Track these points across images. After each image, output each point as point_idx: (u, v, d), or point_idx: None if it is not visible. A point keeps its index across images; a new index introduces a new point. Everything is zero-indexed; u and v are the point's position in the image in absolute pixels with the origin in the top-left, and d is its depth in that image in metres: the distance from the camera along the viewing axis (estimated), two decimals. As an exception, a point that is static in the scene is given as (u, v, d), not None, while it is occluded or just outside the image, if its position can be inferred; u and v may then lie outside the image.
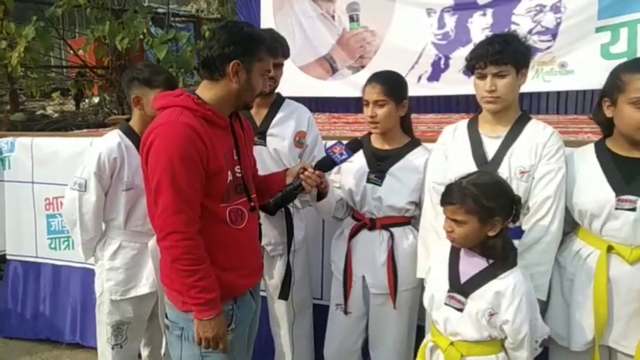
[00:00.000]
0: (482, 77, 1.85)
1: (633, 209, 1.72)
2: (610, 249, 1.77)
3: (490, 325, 1.65)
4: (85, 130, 4.68)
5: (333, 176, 2.24)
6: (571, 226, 1.92)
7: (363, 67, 4.89)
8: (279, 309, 2.37)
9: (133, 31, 5.27)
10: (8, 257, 3.28)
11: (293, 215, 2.28)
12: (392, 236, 2.10)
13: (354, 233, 2.16)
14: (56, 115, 7.98)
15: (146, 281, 2.25)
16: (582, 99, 4.49)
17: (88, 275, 3.03)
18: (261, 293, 2.03)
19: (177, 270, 1.62)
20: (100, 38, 5.63)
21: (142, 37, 5.47)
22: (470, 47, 1.95)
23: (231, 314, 1.73)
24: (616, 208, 1.74)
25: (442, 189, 1.84)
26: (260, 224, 1.93)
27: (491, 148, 1.91)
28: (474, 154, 1.92)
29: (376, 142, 2.19)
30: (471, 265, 1.70)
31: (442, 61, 4.54)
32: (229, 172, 1.70)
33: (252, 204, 1.79)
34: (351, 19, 4.96)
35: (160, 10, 8.05)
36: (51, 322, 3.22)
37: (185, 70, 5.93)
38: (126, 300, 2.26)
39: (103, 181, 2.15)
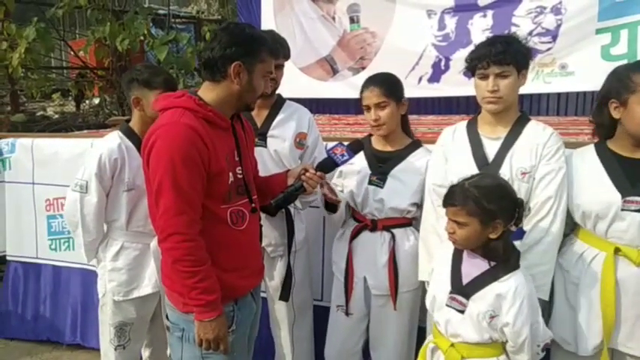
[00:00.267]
0: (484, 77, 1.85)
1: (639, 210, 1.72)
2: (617, 251, 1.77)
3: (491, 327, 1.65)
4: (85, 131, 4.67)
5: (335, 180, 2.25)
6: (570, 227, 1.92)
7: (363, 68, 4.90)
8: (280, 310, 2.37)
9: (133, 33, 5.28)
10: (8, 258, 3.28)
11: (294, 216, 2.28)
12: (393, 237, 2.10)
13: (355, 234, 2.16)
14: (56, 116, 7.98)
15: (148, 282, 2.25)
16: (583, 100, 4.50)
17: (88, 276, 3.03)
18: (262, 294, 2.03)
19: (178, 271, 1.62)
20: (100, 39, 5.63)
21: (142, 38, 5.47)
22: (470, 49, 1.95)
23: (231, 315, 1.73)
24: (622, 210, 1.74)
25: (442, 191, 1.84)
26: (261, 225, 1.93)
27: (491, 149, 1.91)
28: (475, 155, 1.92)
29: (377, 144, 2.19)
30: (473, 266, 1.70)
31: (442, 63, 4.54)
32: (230, 174, 1.70)
33: (253, 205, 1.79)
34: (352, 20, 4.97)
35: (160, 12, 8.06)
36: (51, 323, 3.22)
37: (185, 72, 5.93)
38: (128, 301, 2.26)
39: (104, 182, 2.16)
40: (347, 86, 4.88)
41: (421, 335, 2.18)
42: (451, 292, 1.71)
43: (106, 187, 2.17)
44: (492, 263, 1.67)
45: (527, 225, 1.85)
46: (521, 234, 1.84)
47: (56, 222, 3.10)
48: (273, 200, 1.92)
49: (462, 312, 1.67)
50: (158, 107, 1.70)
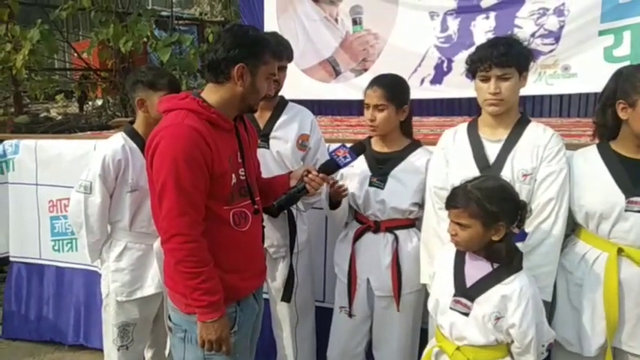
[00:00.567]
0: (486, 80, 1.85)
1: None
2: (619, 251, 1.77)
3: (496, 329, 1.64)
4: (88, 133, 4.69)
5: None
6: (570, 227, 1.92)
7: (366, 70, 4.90)
8: (282, 311, 2.37)
9: (136, 34, 5.30)
10: (12, 259, 3.29)
11: (296, 218, 2.28)
12: (396, 239, 2.11)
13: (358, 236, 2.16)
14: (60, 117, 8.01)
15: (152, 282, 2.26)
16: (585, 102, 4.49)
17: (91, 277, 3.04)
18: (264, 295, 2.03)
19: (180, 272, 1.63)
20: (104, 41, 5.65)
21: (145, 40, 5.49)
22: (473, 50, 1.95)
23: (234, 317, 1.74)
24: (626, 210, 1.74)
25: (443, 193, 1.84)
26: (263, 227, 1.93)
27: (492, 151, 1.91)
28: (476, 157, 1.92)
29: (376, 146, 2.19)
30: (477, 269, 1.70)
31: (445, 64, 4.54)
32: (233, 175, 1.70)
33: (255, 206, 1.80)
34: (354, 22, 4.97)
35: (163, 13, 8.08)
36: (54, 323, 3.23)
37: (188, 73, 5.96)
38: (132, 301, 2.27)
39: (108, 183, 2.16)
40: (349, 88, 4.89)
41: (423, 337, 2.19)
42: (455, 295, 1.70)
43: (110, 188, 2.18)
44: (495, 265, 1.67)
45: (529, 227, 1.85)
46: (523, 236, 1.84)
47: (59, 223, 3.11)
48: (276, 202, 1.92)
49: (467, 315, 1.67)
50: (162, 109, 1.71)
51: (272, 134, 2.26)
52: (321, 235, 2.61)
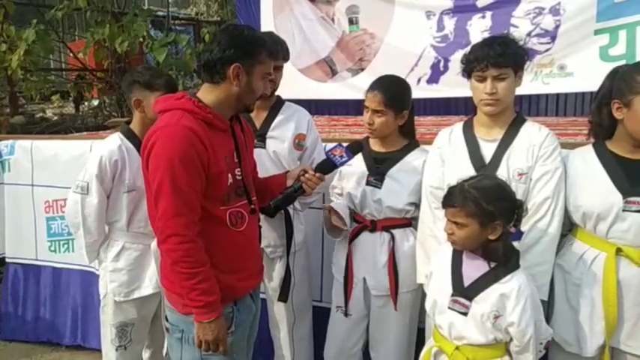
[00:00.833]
0: (482, 80, 1.85)
1: None
2: (618, 251, 1.76)
3: (495, 327, 1.65)
4: (84, 133, 4.68)
5: (335, 182, 2.25)
6: (566, 227, 1.92)
7: (362, 69, 4.90)
8: (279, 311, 2.37)
9: (132, 34, 5.28)
10: (8, 260, 3.28)
11: (293, 217, 2.28)
12: (393, 238, 2.11)
13: (354, 235, 2.16)
14: (56, 117, 7.99)
15: (149, 282, 2.26)
16: (581, 101, 4.51)
17: (87, 277, 3.04)
18: (261, 295, 2.03)
19: (177, 272, 1.62)
20: (99, 41, 5.64)
21: (141, 40, 5.48)
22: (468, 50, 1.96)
23: (231, 317, 1.74)
24: (623, 210, 1.73)
25: (439, 193, 1.84)
26: (260, 226, 1.93)
27: (488, 151, 1.91)
28: (472, 157, 1.92)
29: (374, 145, 2.19)
30: (474, 268, 1.70)
31: (441, 64, 4.55)
32: (229, 175, 1.70)
33: (252, 206, 1.80)
34: (351, 21, 4.97)
35: (159, 13, 8.08)
36: (51, 324, 3.22)
37: (185, 73, 5.94)
38: (129, 301, 2.27)
39: (105, 183, 2.16)
40: (346, 87, 4.89)
41: (420, 336, 2.19)
42: (453, 295, 1.71)
43: (107, 188, 2.18)
44: (493, 264, 1.68)
45: (525, 226, 1.85)
46: (519, 235, 1.84)
47: (55, 224, 3.10)
48: (272, 201, 1.92)
49: (465, 314, 1.68)
50: (157, 109, 1.71)
51: (269, 134, 2.26)
52: (318, 234, 2.61)
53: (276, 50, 2.09)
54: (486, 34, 4.17)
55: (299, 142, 2.29)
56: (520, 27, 4.21)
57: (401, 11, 4.71)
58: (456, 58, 4.37)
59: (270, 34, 2.35)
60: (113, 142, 2.20)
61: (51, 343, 3.24)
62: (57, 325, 3.20)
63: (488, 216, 1.62)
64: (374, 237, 2.13)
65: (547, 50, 4.19)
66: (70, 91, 7.49)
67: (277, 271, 2.31)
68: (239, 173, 1.75)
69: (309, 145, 2.32)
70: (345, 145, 1.99)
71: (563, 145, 1.93)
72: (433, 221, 1.99)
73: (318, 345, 2.43)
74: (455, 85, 4.26)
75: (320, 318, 2.45)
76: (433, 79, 4.58)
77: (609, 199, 1.75)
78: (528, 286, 1.65)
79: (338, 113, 5.01)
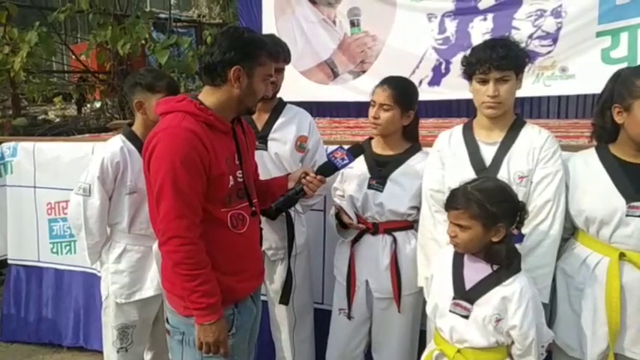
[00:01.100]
0: (484, 82, 1.84)
1: None
2: (621, 256, 1.75)
3: (497, 330, 1.64)
4: (86, 135, 4.69)
5: (337, 184, 2.25)
6: (569, 231, 1.91)
7: (364, 71, 4.90)
8: (280, 314, 2.37)
9: (134, 37, 5.30)
10: (10, 262, 3.28)
11: (294, 220, 2.28)
12: (395, 241, 2.11)
13: (357, 238, 2.16)
14: (58, 119, 7.99)
15: (150, 284, 2.26)
16: (583, 103, 4.50)
17: (89, 279, 3.04)
18: (262, 298, 2.03)
19: (178, 274, 1.63)
20: (102, 43, 5.65)
21: (143, 42, 5.49)
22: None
23: (232, 319, 1.74)
24: (627, 215, 1.72)
25: (439, 196, 1.84)
26: (261, 229, 1.93)
27: (488, 154, 1.91)
28: (472, 160, 1.92)
29: (377, 148, 2.19)
30: (476, 271, 1.69)
31: (443, 66, 4.55)
32: (231, 177, 1.71)
33: (253, 208, 1.80)
34: (352, 24, 4.97)
35: (161, 16, 8.09)
36: (53, 325, 3.22)
37: (186, 75, 5.95)
38: (131, 303, 2.27)
39: (107, 185, 2.17)
40: (347, 90, 4.88)
41: (422, 338, 2.18)
42: (454, 298, 1.70)
43: (109, 190, 2.19)
44: (495, 267, 1.67)
45: (525, 228, 1.84)
46: (520, 238, 1.84)
47: (58, 225, 3.11)
48: (274, 204, 1.92)
49: (467, 317, 1.67)
50: (159, 111, 1.71)
51: (270, 136, 2.27)
52: (320, 237, 2.61)
53: (276, 52, 2.10)
54: (488, 37, 4.16)
55: (301, 144, 2.30)
56: (522, 29, 4.20)
57: (402, 13, 4.72)
58: (458, 61, 4.29)
59: (271, 36, 2.36)
60: (115, 144, 2.21)
61: (52, 344, 3.24)
62: (59, 326, 3.21)
63: (492, 218, 1.61)
64: (376, 240, 2.13)
65: (549, 52, 4.18)
66: (72, 93, 7.48)
67: (279, 274, 2.31)
68: (240, 175, 1.75)
69: (311, 147, 2.33)
70: (346, 147, 1.99)
71: (565, 148, 1.92)
72: (433, 224, 1.99)
73: (319, 347, 2.43)
74: (456, 88, 4.26)
75: (321, 320, 2.44)
76: (434, 81, 4.57)
77: (612, 203, 1.74)
78: (530, 288, 1.64)
79: (339, 115, 5.01)
